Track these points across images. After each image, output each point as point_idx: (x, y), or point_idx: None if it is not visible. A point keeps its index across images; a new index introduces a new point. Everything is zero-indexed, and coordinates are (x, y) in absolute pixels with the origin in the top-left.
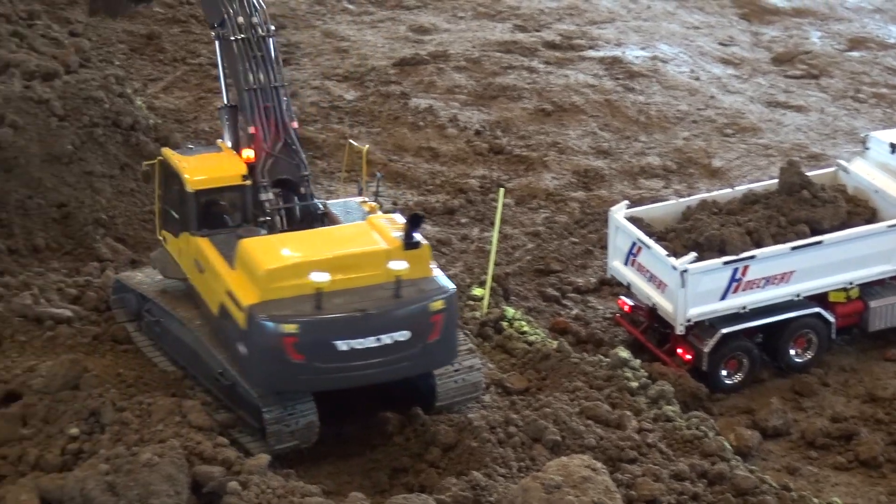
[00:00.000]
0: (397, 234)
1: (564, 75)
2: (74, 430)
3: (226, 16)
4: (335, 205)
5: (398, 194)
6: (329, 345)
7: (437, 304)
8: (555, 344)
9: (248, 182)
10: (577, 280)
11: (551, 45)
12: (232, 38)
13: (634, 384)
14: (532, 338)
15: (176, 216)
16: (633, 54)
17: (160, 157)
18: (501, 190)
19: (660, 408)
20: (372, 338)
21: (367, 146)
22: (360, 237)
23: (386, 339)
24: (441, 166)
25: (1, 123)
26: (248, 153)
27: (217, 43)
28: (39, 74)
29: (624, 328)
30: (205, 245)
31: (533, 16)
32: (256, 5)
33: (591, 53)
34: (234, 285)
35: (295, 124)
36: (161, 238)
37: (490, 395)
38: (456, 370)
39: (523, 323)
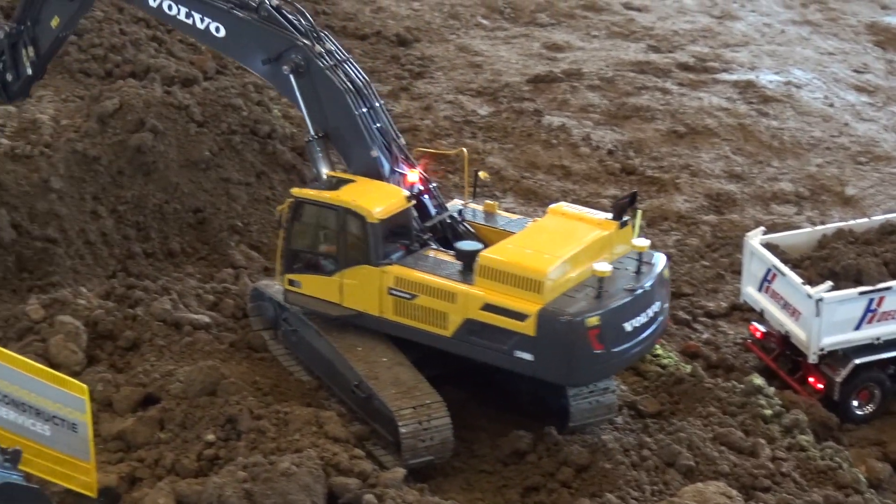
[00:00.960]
0: (602, 215)
1: (698, 97)
2: (211, 436)
3: (298, 48)
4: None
5: (529, 211)
6: (620, 328)
7: (667, 272)
8: (688, 368)
9: (413, 203)
10: (709, 304)
11: (685, 67)
12: (322, 64)
13: (768, 412)
14: (665, 361)
15: (328, 254)
16: (767, 79)
17: (292, 199)
18: (639, 212)
19: (794, 437)
20: (643, 314)
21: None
22: (573, 226)
23: (650, 312)
24: (573, 185)
25: (141, 128)
26: (413, 175)
27: (291, 77)
28: (179, 80)
29: (755, 354)
30: (406, 272)
31: (667, 37)
32: (322, 35)
33: (725, 76)
34: (497, 298)
35: (402, 141)
36: (282, 280)
37: (622, 416)
38: (590, 391)
39: (656, 346)
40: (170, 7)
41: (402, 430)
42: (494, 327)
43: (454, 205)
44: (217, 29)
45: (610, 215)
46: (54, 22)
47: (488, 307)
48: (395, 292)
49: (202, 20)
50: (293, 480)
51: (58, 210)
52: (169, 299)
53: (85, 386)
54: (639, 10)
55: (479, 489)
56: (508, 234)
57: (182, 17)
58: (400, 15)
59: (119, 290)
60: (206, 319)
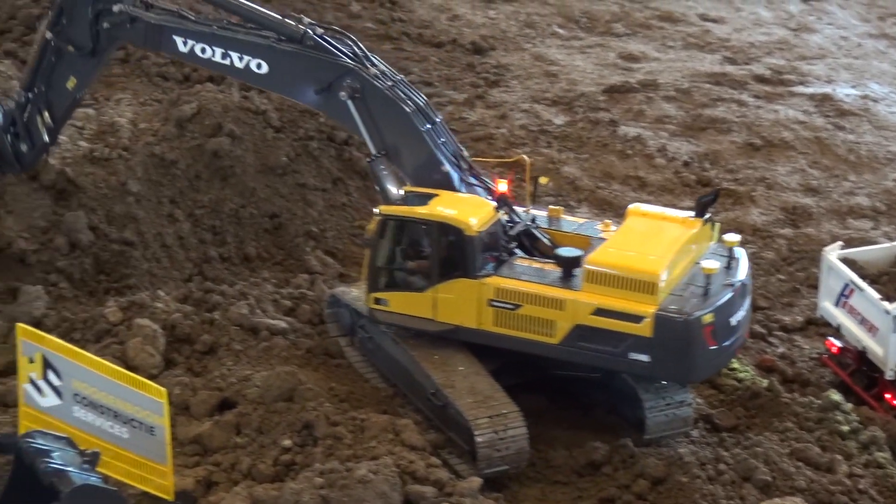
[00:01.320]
0: (682, 213)
1: (774, 110)
2: (287, 442)
3: (352, 73)
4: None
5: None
6: (727, 323)
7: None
8: (765, 382)
9: (502, 214)
10: (784, 318)
11: (761, 79)
12: (381, 86)
13: (846, 428)
14: (741, 374)
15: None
16: (844, 92)
17: (379, 216)
18: (717, 225)
19: (871, 454)
20: (742, 308)
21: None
22: (662, 226)
23: (746, 305)
24: (648, 196)
25: (219, 132)
26: (502, 186)
27: (349, 102)
28: None
29: (831, 369)
30: (507, 282)
31: (743, 49)
32: (372, 58)
33: (801, 89)
34: (609, 302)
35: (465, 153)
36: (367, 300)
37: (698, 430)
38: (667, 404)
39: (732, 359)
40: (203, 50)
41: (478, 439)
42: (607, 331)
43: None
44: (258, 66)
45: (691, 213)
46: (70, 83)
47: (600, 311)
48: (496, 303)
49: (241, 59)
50: (370, 488)
51: (135, 213)
52: (246, 304)
53: (163, 389)
54: (715, 21)
55: (554, 500)
56: (580, 237)
57: (218, 58)
58: (476, 23)
59: (197, 293)
60: (283, 325)
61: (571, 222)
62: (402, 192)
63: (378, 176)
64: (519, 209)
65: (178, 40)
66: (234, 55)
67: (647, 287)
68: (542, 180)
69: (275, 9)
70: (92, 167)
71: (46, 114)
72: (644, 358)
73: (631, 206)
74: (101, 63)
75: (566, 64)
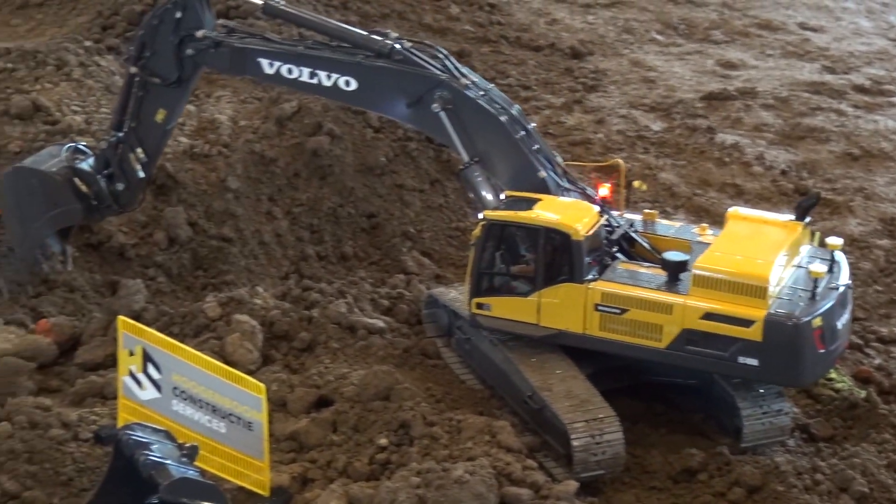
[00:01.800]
0: (782, 217)
1: (874, 120)
2: (384, 441)
3: (443, 84)
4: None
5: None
6: (833, 327)
7: None
8: (862, 393)
9: (605, 218)
10: (881, 329)
11: (860, 89)
12: (473, 96)
13: None
14: (839, 385)
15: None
16: None
17: (484, 221)
18: (818, 234)
19: None
20: (846, 311)
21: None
22: (764, 229)
23: (849, 308)
24: (745, 204)
25: (318, 131)
26: (603, 191)
27: (442, 114)
28: None
29: None
30: (614, 287)
31: (842, 58)
32: (462, 68)
33: None
34: (718, 307)
35: (559, 159)
36: (469, 305)
37: (794, 439)
38: (764, 412)
39: (830, 369)
40: (290, 71)
41: (575, 442)
42: (716, 335)
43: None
44: (347, 83)
45: (790, 217)
46: (160, 116)
47: (709, 316)
48: (602, 308)
49: (329, 77)
50: (466, 488)
51: (234, 210)
52: (344, 302)
53: (262, 385)
54: (814, 30)
55: None
56: (676, 241)
57: (305, 78)
58: (574, 28)
59: (295, 291)
60: (381, 324)
61: (667, 226)
62: (502, 196)
63: (473, 183)
64: (614, 213)
65: (264, 62)
66: (322, 74)
67: (756, 291)
68: (638, 185)
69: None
70: (192, 163)
71: (139, 150)
72: (753, 362)
73: (730, 210)
74: (187, 92)
75: (664, 70)
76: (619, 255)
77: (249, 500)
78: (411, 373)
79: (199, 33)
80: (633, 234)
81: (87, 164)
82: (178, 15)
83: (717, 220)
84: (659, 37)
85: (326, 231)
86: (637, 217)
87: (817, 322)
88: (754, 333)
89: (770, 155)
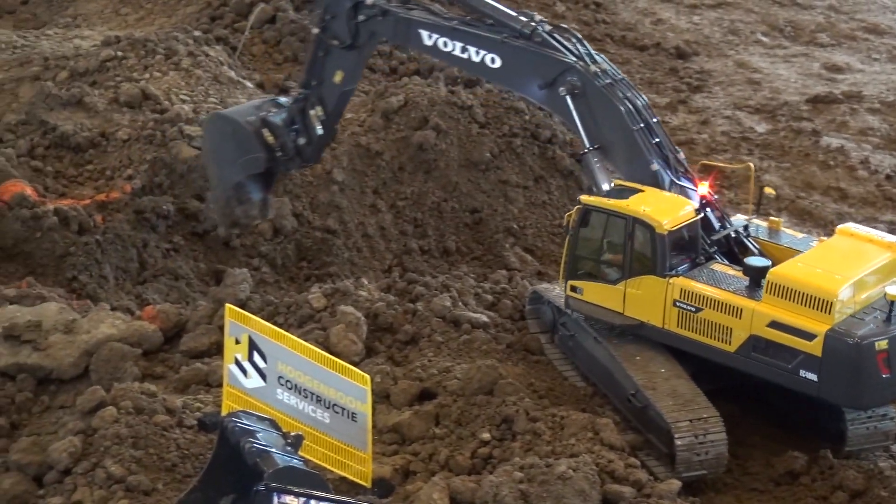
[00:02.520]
0: (893, 238)
1: None
2: (486, 435)
3: (574, 70)
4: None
5: (803, 232)
6: None
7: None
8: None
9: (701, 216)
10: None
11: None
12: (598, 84)
13: None
14: None
15: (613, 263)
16: None
17: (580, 206)
18: None
19: None
20: None
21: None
22: (863, 247)
23: None
24: (849, 208)
25: (424, 125)
26: (703, 188)
27: (568, 98)
28: (462, 80)
29: None
30: (693, 284)
31: None
32: (596, 56)
33: None
34: (784, 316)
35: (681, 155)
36: (564, 287)
37: None
38: (868, 416)
39: None
40: (445, 44)
41: (678, 442)
42: (780, 345)
43: (737, 220)
44: (493, 60)
45: None
46: (338, 77)
47: (775, 324)
48: (680, 304)
49: (477, 53)
50: (569, 485)
51: (339, 202)
52: (449, 296)
53: (367, 376)
54: None
55: None
56: (793, 251)
57: (457, 52)
58: (680, 28)
59: (400, 284)
60: (485, 319)
61: (790, 236)
62: (612, 184)
63: (591, 168)
64: (741, 217)
65: (424, 34)
66: (472, 49)
67: (823, 305)
68: (769, 191)
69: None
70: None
71: (319, 108)
72: (813, 377)
73: (841, 226)
74: (363, 57)
75: (769, 72)
76: (718, 255)
77: (351, 491)
78: (514, 368)
79: (369, 1)
80: (744, 239)
81: (277, 118)
82: None
83: (820, 224)
84: (764, 38)
85: (430, 225)
86: (763, 223)
87: (882, 345)
88: (815, 348)
89: (875, 159)
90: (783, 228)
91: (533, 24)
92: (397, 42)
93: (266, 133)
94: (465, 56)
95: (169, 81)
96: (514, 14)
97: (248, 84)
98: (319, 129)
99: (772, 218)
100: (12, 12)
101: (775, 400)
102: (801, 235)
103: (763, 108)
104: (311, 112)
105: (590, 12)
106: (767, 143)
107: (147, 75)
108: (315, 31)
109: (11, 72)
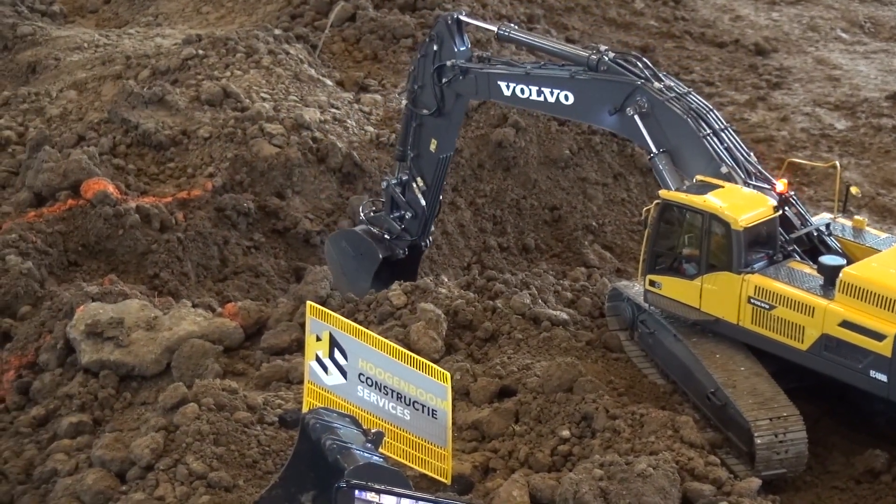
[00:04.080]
0: None
1: None
2: (566, 433)
3: (639, 89)
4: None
5: (883, 228)
6: None
7: None
8: None
9: (779, 213)
10: None
11: None
12: (663, 98)
13: None
14: None
15: (691, 258)
16: None
17: (659, 201)
18: None
19: None
20: None
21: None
22: None
23: None
24: None
25: (504, 123)
26: (780, 185)
27: (637, 118)
28: None
29: None
30: (767, 281)
31: None
32: (660, 74)
33: None
34: (855, 316)
35: (753, 158)
36: (643, 281)
37: None
38: None
39: None
40: (522, 91)
41: (758, 440)
42: (851, 345)
43: (822, 218)
44: (566, 97)
45: None
46: (433, 146)
47: (846, 324)
48: (754, 301)
49: (552, 93)
50: (649, 482)
51: None
52: (528, 294)
53: (448, 373)
54: None
55: None
56: (875, 251)
57: (534, 96)
58: (758, 24)
59: (479, 281)
60: (564, 316)
61: (874, 236)
62: (695, 179)
63: (658, 172)
64: (825, 216)
65: (502, 85)
66: (546, 91)
67: (893, 305)
68: (855, 191)
69: (553, 13)
70: (378, 152)
71: (419, 179)
72: (883, 378)
73: None
74: (454, 122)
75: (849, 68)
76: (797, 254)
77: (431, 488)
78: (593, 366)
79: (449, 63)
80: (825, 237)
81: (374, 211)
82: (435, 48)
83: None
84: (844, 35)
85: (509, 222)
86: (847, 222)
87: None
88: (885, 348)
89: None
90: (867, 228)
91: (598, 54)
92: (481, 97)
93: (373, 228)
94: (541, 99)
95: (249, 79)
96: (578, 51)
97: (328, 82)
98: (422, 201)
99: (856, 217)
100: (95, 11)
101: (856, 399)
102: (884, 235)
103: (843, 105)
104: (413, 185)
105: (668, 9)
106: (847, 139)
107: (228, 73)
108: (405, 103)
109: (94, 70)
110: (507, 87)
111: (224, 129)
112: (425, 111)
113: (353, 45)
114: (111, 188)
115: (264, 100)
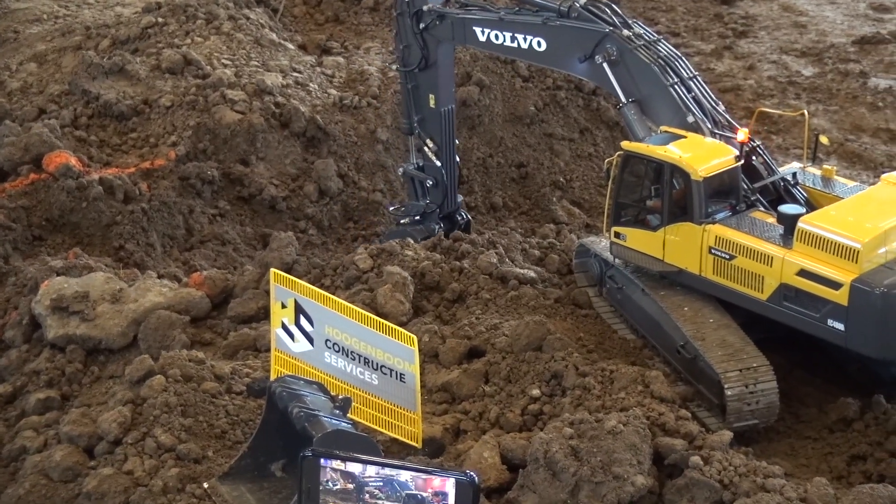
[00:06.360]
0: None
1: None
2: (536, 392)
3: (608, 37)
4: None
5: (852, 174)
6: None
7: None
8: None
9: (741, 163)
10: None
11: None
12: (631, 46)
13: None
14: None
15: (654, 210)
16: None
17: (621, 152)
18: None
19: None
20: None
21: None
22: None
23: None
24: None
25: (468, 81)
26: (741, 135)
27: (605, 66)
28: None
29: None
30: (727, 232)
31: None
32: (630, 21)
33: None
34: (812, 264)
35: (721, 108)
36: (608, 234)
37: None
38: None
39: None
40: (496, 37)
41: (728, 392)
42: (808, 294)
43: (790, 167)
44: (539, 44)
45: None
46: (431, 101)
47: (804, 273)
48: (715, 252)
49: (525, 39)
50: (620, 439)
51: (383, 161)
52: (495, 253)
53: (414, 337)
54: None
55: (804, 455)
56: (838, 199)
57: (507, 42)
58: None
59: (445, 242)
60: (532, 274)
61: (842, 184)
62: (659, 130)
63: (627, 122)
64: (795, 165)
65: (478, 31)
66: (520, 37)
67: (849, 253)
68: (823, 140)
69: None
70: (342, 115)
71: (430, 142)
72: (840, 327)
73: (887, 174)
74: (444, 70)
75: (815, 15)
76: (761, 203)
77: (402, 452)
78: (563, 323)
79: (425, 7)
80: (792, 188)
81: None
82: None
83: (870, 167)
84: None
85: (476, 181)
86: (816, 171)
87: None
88: (841, 297)
89: None
90: (836, 177)
91: (569, 1)
92: (458, 42)
93: (402, 221)
94: (514, 45)
95: (210, 46)
96: None
97: (290, 46)
98: (437, 162)
99: (825, 166)
100: None
101: (828, 348)
102: (852, 184)
103: (809, 52)
104: (426, 150)
105: None
106: (815, 86)
107: (188, 41)
108: (394, 67)
109: (54, 42)
110: (482, 32)
111: (186, 98)
112: (414, 69)
113: (314, 7)
114: (73, 161)
115: (225, 66)
